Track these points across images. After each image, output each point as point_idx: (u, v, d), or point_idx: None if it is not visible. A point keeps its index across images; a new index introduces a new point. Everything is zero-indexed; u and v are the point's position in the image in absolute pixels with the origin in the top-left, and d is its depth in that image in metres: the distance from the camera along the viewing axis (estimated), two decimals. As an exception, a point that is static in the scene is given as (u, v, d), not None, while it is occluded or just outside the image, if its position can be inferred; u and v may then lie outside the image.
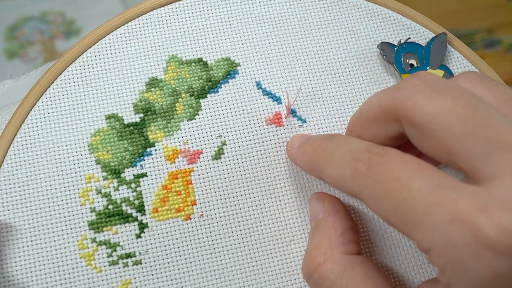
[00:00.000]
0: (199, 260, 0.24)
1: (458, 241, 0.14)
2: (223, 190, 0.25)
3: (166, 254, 0.24)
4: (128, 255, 0.24)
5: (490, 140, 0.15)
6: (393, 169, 0.16)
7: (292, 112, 0.27)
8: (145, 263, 0.24)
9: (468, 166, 0.16)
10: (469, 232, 0.14)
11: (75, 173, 0.25)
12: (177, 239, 0.24)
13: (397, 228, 0.16)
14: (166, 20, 0.27)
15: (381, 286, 0.19)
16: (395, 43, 0.28)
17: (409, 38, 0.28)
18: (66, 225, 0.24)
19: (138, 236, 0.24)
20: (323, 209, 0.22)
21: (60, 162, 0.25)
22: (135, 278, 0.24)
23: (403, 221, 0.16)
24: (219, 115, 0.26)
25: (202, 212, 0.25)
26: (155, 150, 0.25)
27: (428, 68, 0.27)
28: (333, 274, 0.19)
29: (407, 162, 0.16)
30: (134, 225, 0.24)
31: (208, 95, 0.26)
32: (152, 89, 0.26)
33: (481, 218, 0.14)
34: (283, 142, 0.26)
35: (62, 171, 0.25)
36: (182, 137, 0.26)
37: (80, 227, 0.24)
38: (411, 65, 0.27)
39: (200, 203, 0.25)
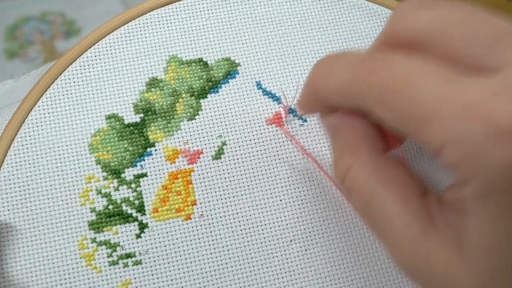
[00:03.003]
0: (199, 260, 0.24)
1: (471, 132, 0.14)
2: (223, 190, 0.25)
3: (166, 254, 0.24)
4: (128, 255, 0.24)
5: (491, 34, 0.15)
6: (397, 68, 0.16)
7: (292, 112, 0.27)
8: (145, 263, 0.24)
9: (474, 62, 0.15)
10: (482, 120, 0.14)
11: (75, 173, 0.25)
12: (177, 239, 0.24)
13: (406, 131, 0.16)
14: (166, 20, 0.27)
15: (411, 187, 0.18)
16: (396, 43, 0.28)
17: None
18: (66, 225, 0.24)
19: (138, 236, 0.24)
20: (337, 116, 0.20)
21: (60, 162, 0.25)
22: (135, 278, 0.24)
23: (412, 121, 0.15)
24: (219, 115, 0.26)
25: (202, 212, 0.25)
26: (155, 150, 0.25)
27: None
28: (361, 177, 0.18)
29: (411, 59, 0.16)
30: (134, 225, 0.24)
31: (208, 95, 0.26)
32: (152, 89, 0.26)
33: (493, 105, 0.13)
34: (283, 142, 0.26)
35: (62, 171, 0.25)
36: (182, 137, 0.26)
37: (80, 227, 0.24)
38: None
39: (200, 203, 0.25)
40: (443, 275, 0.16)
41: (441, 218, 0.17)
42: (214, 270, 0.24)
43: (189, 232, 0.24)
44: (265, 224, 0.25)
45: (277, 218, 0.25)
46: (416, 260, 0.17)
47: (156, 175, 0.25)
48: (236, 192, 0.25)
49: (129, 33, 0.27)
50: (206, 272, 0.24)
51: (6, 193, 0.24)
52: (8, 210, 0.24)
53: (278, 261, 0.24)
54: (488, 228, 0.15)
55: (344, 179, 0.19)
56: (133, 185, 0.25)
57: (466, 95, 0.14)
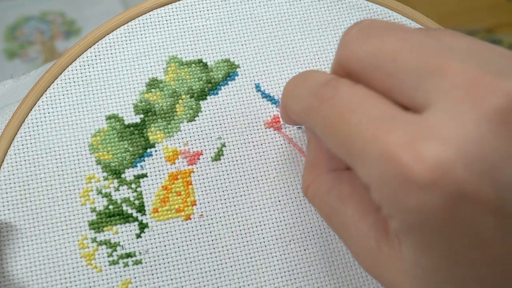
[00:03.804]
0: (199, 260, 0.24)
1: (388, 177, 0.14)
2: (223, 191, 0.25)
3: (166, 254, 0.24)
4: (128, 255, 0.24)
5: (419, 69, 0.15)
6: (339, 104, 0.16)
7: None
8: (145, 263, 0.24)
9: (404, 99, 0.15)
10: (395, 167, 0.14)
11: (76, 173, 0.25)
12: (177, 239, 0.24)
13: (344, 161, 0.16)
14: (166, 20, 0.27)
15: (367, 202, 0.18)
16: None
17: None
18: (66, 225, 0.24)
19: (138, 236, 0.24)
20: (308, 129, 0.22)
21: (61, 162, 0.25)
22: (135, 278, 0.24)
23: (348, 157, 0.16)
24: (218, 117, 0.26)
25: (202, 212, 0.25)
26: (155, 151, 0.25)
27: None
28: (321, 192, 0.20)
29: (354, 95, 0.16)
30: (134, 225, 0.24)
31: (208, 97, 0.26)
32: (153, 90, 0.26)
33: (405, 152, 0.14)
34: (281, 145, 0.26)
35: (62, 171, 0.25)
36: (182, 138, 0.26)
37: (80, 227, 0.24)
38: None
39: (200, 204, 0.25)
40: (393, 285, 0.17)
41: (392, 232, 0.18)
42: (214, 270, 0.24)
43: (189, 232, 0.25)
44: (264, 225, 0.25)
45: (275, 218, 0.25)
46: (372, 268, 0.18)
47: (156, 175, 0.25)
48: (235, 193, 0.25)
49: (129, 33, 0.27)
50: (205, 272, 0.24)
51: (6, 193, 0.24)
52: (8, 209, 0.24)
53: (277, 261, 0.25)
54: (413, 259, 0.16)
55: (306, 194, 0.21)
56: (133, 186, 0.25)
57: (386, 139, 0.14)
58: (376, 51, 0.16)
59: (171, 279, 0.24)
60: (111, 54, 0.27)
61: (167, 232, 0.24)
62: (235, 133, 0.26)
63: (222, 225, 0.25)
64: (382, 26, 0.17)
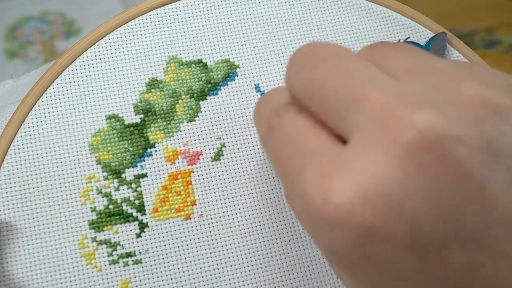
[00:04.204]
0: (199, 260, 0.24)
1: (306, 214, 0.14)
2: (223, 191, 0.25)
3: (166, 254, 0.24)
4: (128, 254, 0.24)
5: (344, 99, 0.14)
6: (279, 136, 0.16)
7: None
8: (145, 262, 0.24)
9: (336, 129, 0.15)
10: (308, 205, 0.14)
11: (76, 173, 0.25)
12: (177, 238, 0.24)
13: None
14: (166, 20, 0.27)
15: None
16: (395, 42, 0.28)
17: (408, 37, 0.28)
18: (66, 225, 0.24)
19: (138, 236, 0.24)
20: None
21: (61, 162, 0.25)
22: (135, 277, 0.24)
23: (288, 187, 0.16)
24: (218, 117, 0.26)
25: (201, 212, 0.25)
26: (155, 151, 0.25)
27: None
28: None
29: (294, 126, 0.16)
30: (135, 225, 0.24)
31: (208, 97, 0.26)
32: (153, 90, 0.26)
33: (316, 190, 0.14)
34: (282, 143, 0.26)
35: (62, 170, 0.25)
36: (182, 138, 0.26)
37: (80, 227, 0.24)
38: (410, 65, 0.27)
39: (200, 203, 0.25)
40: None
41: None
42: (213, 270, 0.24)
43: (188, 231, 0.25)
44: (264, 224, 0.25)
45: (275, 218, 0.25)
46: None
47: (156, 175, 0.25)
48: (235, 192, 0.25)
49: (129, 33, 0.27)
50: (205, 272, 0.24)
51: (6, 192, 0.24)
52: (9, 209, 0.24)
53: (277, 260, 0.25)
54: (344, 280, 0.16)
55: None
56: (133, 185, 0.25)
57: (307, 175, 0.14)
58: (307, 81, 0.16)
59: (171, 279, 0.24)
60: (111, 54, 0.27)
61: (167, 232, 0.24)
62: (234, 133, 0.26)
63: (222, 225, 0.25)
64: (318, 54, 0.16)
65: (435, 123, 0.13)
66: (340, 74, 0.15)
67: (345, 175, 0.14)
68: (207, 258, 0.24)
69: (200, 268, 0.24)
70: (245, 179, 0.25)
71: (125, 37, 0.27)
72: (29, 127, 0.25)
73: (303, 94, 0.16)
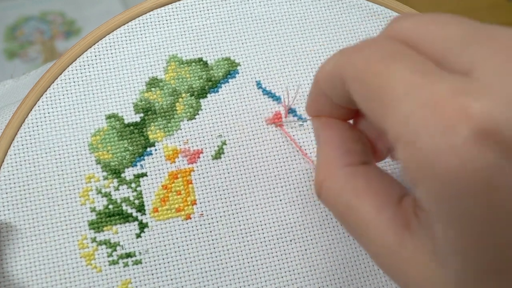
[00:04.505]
0: (199, 260, 0.24)
1: (428, 127, 0.13)
2: (223, 190, 0.25)
3: (166, 254, 0.24)
4: (128, 255, 0.24)
5: (464, 38, 0.15)
6: (380, 49, 0.16)
7: (292, 111, 0.27)
8: (145, 263, 0.24)
9: (448, 65, 0.15)
10: (440, 117, 0.13)
11: (75, 172, 0.25)
12: (177, 238, 0.24)
13: (373, 117, 0.15)
14: (166, 20, 0.27)
15: (385, 195, 0.17)
16: (395, 42, 0.28)
17: (409, 37, 0.28)
18: (66, 225, 0.24)
19: (138, 236, 0.24)
20: (320, 122, 0.21)
21: (61, 162, 0.25)
22: (135, 278, 0.24)
23: (381, 102, 0.15)
24: (219, 115, 0.26)
25: (202, 211, 0.25)
26: (155, 149, 0.25)
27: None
28: (335, 190, 0.19)
29: (397, 45, 0.16)
30: (134, 225, 0.24)
31: (208, 95, 0.26)
32: (152, 88, 0.26)
33: (453, 104, 0.13)
34: (283, 142, 0.26)
35: (62, 170, 0.25)
36: (182, 136, 0.26)
37: (80, 227, 0.24)
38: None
39: (200, 203, 0.25)
40: (418, 282, 0.16)
41: (416, 222, 0.16)
42: (214, 270, 0.24)
43: (189, 231, 0.24)
44: (265, 224, 0.25)
45: (276, 218, 0.25)
46: (393, 267, 0.17)
47: (156, 174, 0.25)
48: (236, 191, 0.25)
49: (129, 33, 0.27)
50: (205, 272, 0.24)
51: (6, 193, 0.24)
52: (8, 209, 0.24)
53: (278, 260, 0.24)
54: (448, 233, 0.14)
55: (320, 194, 0.19)
56: (133, 185, 0.25)
57: (431, 91, 0.13)
58: (426, 22, 0.16)
59: (171, 279, 0.24)
60: (111, 53, 0.27)
61: (167, 232, 0.24)
62: (235, 131, 0.26)
63: (222, 225, 0.25)
64: (428, 14, 0.17)
65: None
66: (461, 20, 0.15)
67: (486, 92, 0.13)
68: (208, 258, 0.24)
69: (201, 269, 0.24)
70: (246, 178, 0.25)
71: (125, 37, 0.27)
72: (29, 128, 0.25)
73: (418, 31, 0.16)
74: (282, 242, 0.25)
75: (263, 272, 0.24)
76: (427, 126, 0.13)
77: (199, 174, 0.25)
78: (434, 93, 0.13)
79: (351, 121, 0.21)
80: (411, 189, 0.16)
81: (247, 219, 0.25)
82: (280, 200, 0.25)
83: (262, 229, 0.25)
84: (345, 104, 0.19)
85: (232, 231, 0.25)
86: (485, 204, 0.13)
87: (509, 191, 0.12)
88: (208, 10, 0.28)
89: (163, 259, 0.24)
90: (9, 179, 0.24)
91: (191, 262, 0.24)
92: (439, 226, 0.14)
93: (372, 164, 0.20)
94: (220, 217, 0.25)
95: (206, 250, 0.24)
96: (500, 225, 0.13)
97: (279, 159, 0.26)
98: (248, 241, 0.25)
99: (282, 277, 0.24)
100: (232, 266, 0.24)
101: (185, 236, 0.24)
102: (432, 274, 0.15)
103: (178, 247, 0.24)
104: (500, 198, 0.13)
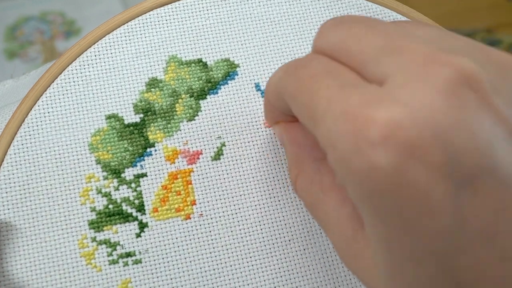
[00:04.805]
0: (199, 259, 0.24)
1: (343, 135, 0.14)
2: (223, 190, 0.25)
3: (166, 253, 0.24)
4: (128, 254, 0.24)
5: (381, 49, 0.16)
6: (311, 68, 0.17)
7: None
8: (145, 262, 0.24)
9: (367, 76, 0.16)
10: (352, 125, 0.14)
11: (75, 172, 0.25)
12: (176, 238, 0.24)
13: (309, 126, 0.17)
14: (166, 20, 0.27)
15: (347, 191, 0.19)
16: (395, 43, 0.28)
17: (408, 38, 0.28)
18: (66, 224, 0.24)
19: (138, 236, 0.24)
20: (281, 127, 0.23)
21: (60, 162, 0.25)
22: (135, 277, 0.24)
23: (311, 117, 0.16)
24: (218, 116, 0.26)
25: (201, 211, 0.25)
26: (155, 150, 0.25)
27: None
28: (306, 184, 0.21)
29: (327, 63, 0.17)
30: (134, 225, 0.24)
31: (208, 96, 0.26)
32: (152, 89, 0.26)
33: (361, 111, 0.14)
34: (281, 144, 0.26)
35: (62, 170, 0.25)
36: (182, 137, 0.26)
37: (80, 226, 0.24)
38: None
39: (200, 203, 0.25)
40: (368, 276, 0.17)
41: None
42: (213, 269, 0.24)
43: (188, 231, 0.25)
44: (264, 224, 0.25)
45: (275, 218, 0.25)
46: (349, 259, 0.18)
47: (156, 175, 0.25)
48: (235, 192, 0.25)
49: (128, 32, 0.27)
50: (205, 271, 0.24)
51: (6, 192, 0.24)
52: (8, 209, 0.24)
53: (277, 260, 0.25)
54: (371, 232, 0.16)
55: (295, 189, 0.21)
56: (133, 185, 0.25)
57: (347, 101, 0.15)
58: (344, 36, 0.17)
59: (171, 279, 0.24)
60: (111, 53, 0.27)
61: (166, 232, 0.24)
62: (235, 132, 0.26)
63: (222, 225, 0.25)
64: (355, 18, 0.18)
65: (473, 67, 0.14)
66: (378, 29, 0.16)
67: (392, 100, 0.14)
68: (207, 258, 0.24)
69: (200, 268, 0.24)
70: (245, 179, 0.25)
71: (125, 37, 0.27)
72: (28, 127, 0.25)
73: (338, 48, 0.17)
74: (281, 242, 0.25)
75: (262, 272, 0.24)
76: (342, 134, 0.14)
77: (198, 175, 0.25)
78: (347, 105, 0.15)
79: None
80: None
81: (246, 219, 0.25)
82: (279, 201, 0.25)
83: (261, 229, 0.25)
84: (290, 113, 0.20)
85: (231, 231, 0.25)
86: (394, 200, 0.14)
87: (413, 187, 0.14)
88: (207, 10, 0.28)
89: (163, 258, 0.24)
90: (9, 179, 0.24)
91: (190, 261, 0.24)
92: (365, 220, 0.16)
93: None
94: (220, 217, 0.25)
95: (205, 249, 0.24)
96: (410, 217, 0.14)
97: (277, 160, 0.26)
98: (247, 240, 0.25)
99: (281, 276, 0.24)
100: (231, 266, 0.24)
101: (185, 236, 0.24)
102: (373, 266, 0.17)
103: (178, 246, 0.24)
104: (406, 193, 0.14)
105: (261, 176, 0.26)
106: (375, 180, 0.14)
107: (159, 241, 0.24)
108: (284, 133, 0.22)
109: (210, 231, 0.25)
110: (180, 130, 0.26)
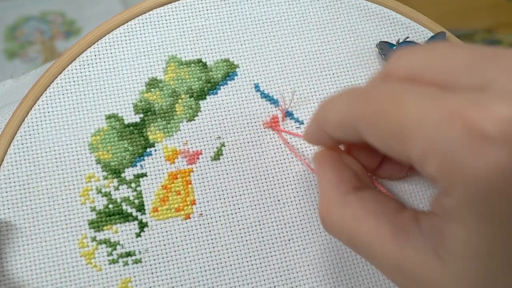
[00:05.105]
0: (198, 259, 0.24)
1: (450, 139, 0.14)
2: (222, 190, 0.25)
3: (166, 253, 0.24)
4: (128, 254, 0.24)
5: (473, 59, 0.15)
6: (388, 90, 0.16)
7: (289, 115, 0.27)
8: (145, 262, 0.24)
9: (459, 87, 0.15)
10: (461, 125, 0.14)
11: (76, 172, 0.25)
12: (176, 238, 0.24)
13: (395, 151, 0.16)
14: (166, 20, 0.27)
15: (380, 213, 0.19)
16: (394, 42, 0.28)
17: (407, 37, 0.28)
18: (66, 224, 0.24)
19: (138, 235, 0.24)
20: (317, 156, 0.22)
21: (61, 161, 0.25)
22: (135, 277, 0.24)
23: (398, 137, 0.16)
24: (218, 116, 0.26)
25: (201, 211, 0.25)
26: (155, 150, 0.25)
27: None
28: (337, 221, 0.20)
29: (403, 84, 0.16)
30: (134, 224, 0.24)
31: (207, 97, 0.26)
32: (152, 89, 0.26)
33: (473, 111, 0.14)
34: (280, 145, 0.26)
35: (62, 170, 0.25)
36: (182, 137, 0.26)
37: (80, 226, 0.24)
38: (410, 64, 0.27)
39: (200, 203, 0.25)
40: (423, 279, 0.17)
41: (416, 231, 0.18)
42: (213, 269, 0.24)
43: (188, 231, 0.25)
44: (263, 224, 0.25)
45: (275, 217, 0.25)
46: (399, 272, 0.18)
47: (156, 175, 0.25)
48: (235, 192, 0.25)
49: (128, 32, 0.27)
50: (205, 271, 0.24)
51: (6, 192, 0.24)
52: (8, 208, 0.24)
53: (276, 260, 0.25)
54: (468, 236, 0.15)
55: (325, 226, 0.21)
56: (133, 185, 0.25)
57: (448, 105, 0.14)
58: (428, 55, 0.17)
59: (171, 278, 0.24)
60: (111, 53, 0.27)
61: (166, 231, 0.25)
62: (234, 132, 0.26)
63: (221, 224, 0.25)
64: (433, 45, 0.17)
65: None
66: (463, 45, 0.16)
67: (505, 98, 0.13)
68: (207, 257, 0.24)
69: (200, 268, 0.24)
70: (244, 179, 0.25)
71: (125, 37, 0.27)
72: (28, 127, 0.25)
73: (421, 65, 0.17)
74: (280, 242, 0.25)
75: (262, 271, 0.24)
76: (450, 138, 0.14)
77: (198, 175, 0.25)
78: (449, 109, 0.14)
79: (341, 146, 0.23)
80: (434, 203, 0.17)
81: (245, 219, 0.25)
82: (278, 200, 0.25)
83: (261, 229, 0.25)
84: (349, 141, 0.20)
85: (231, 231, 0.25)
86: (508, 204, 0.14)
87: None
88: (207, 10, 0.28)
89: (163, 258, 0.24)
90: (9, 178, 0.24)
91: (190, 261, 0.24)
92: (457, 229, 0.15)
93: (366, 186, 0.21)
94: (219, 217, 0.25)
95: (205, 249, 0.24)
96: None
97: (276, 160, 0.26)
98: (246, 240, 0.25)
99: (280, 276, 0.24)
100: (231, 265, 0.24)
101: (185, 236, 0.25)
102: (434, 272, 0.16)
103: (178, 246, 0.24)
104: None
105: (260, 176, 0.26)
106: (494, 179, 0.13)
107: (159, 241, 0.24)
108: (316, 166, 0.22)
109: (210, 231, 0.25)
110: (180, 130, 0.26)
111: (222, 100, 0.26)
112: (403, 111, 0.15)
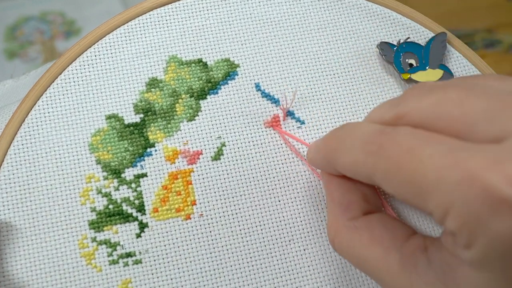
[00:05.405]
0: (199, 260, 0.24)
1: (471, 200, 0.14)
2: (223, 190, 0.25)
3: (166, 254, 0.24)
4: (128, 255, 0.24)
5: (489, 108, 0.15)
6: (403, 142, 0.16)
7: (290, 114, 0.27)
8: (145, 262, 0.24)
9: (476, 136, 0.15)
10: (481, 188, 0.14)
11: (76, 172, 0.25)
12: (177, 238, 0.24)
13: (413, 203, 0.16)
14: (166, 20, 0.27)
15: (388, 239, 0.19)
16: (395, 43, 0.28)
17: (408, 37, 0.28)
18: (66, 225, 0.24)
19: (138, 236, 0.24)
20: (327, 178, 0.22)
21: (61, 162, 0.25)
22: (135, 277, 0.24)
23: (417, 192, 0.16)
24: (218, 116, 0.26)
25: (201, 212, 0.25)
26: (155, 150, 0.25)
27: (427, 67, 0.27)
28: (345, 244, 0.21)
29: (417, 133, 0.16)
30: (134, 225, 0.24)
31: (208, 97, 0.26)
32: (152, 89, 0.26)
33: (492, 173, 0.14)
34: (281, 144, 0.26)
35: (62, 170, 0.25)
36: (182, 137, 0.26)
37: (80, 227, 0.24)
38: (411, 64, 0.27)
39: (200, 203, 0.25)
40: None
41: (424, 261, 0.18)
42: (214, 270, 0.24)
43: (188, 231, 0.25)
44: (264, 224, 0.25)
45: (275, 218, 0.25)
46: None
47: (156, 175, 0.25)
48: (235, 192, 0.25)
49: (128, 32, 0.27)
50: (205, 271, 0.24)
51: (6, 192, 0.24)
52: (8, 209, 0.24)
53: (277, 260, 0.25)
54: (481, 283, 0.16)
55: (334, 248, 0.22)
56: (133, 185, 0.25)
57: (468, 163, 0.14)
58: (440, 100, 0.17)
59: (171, 279, 0.24)
60: (111, 53, 0.27)
61: (167, 232, 0.24)
62: (235, 132, 0.26)
63: (222, 225, 0.25)
64: (446, 83, 0.17)
65: None
66: (479, 90, 0.16)
67: None
68: (207, 258, 0.24)
69: (200, 268, 0.24)
70: (245, 179, 0.25)
71: (125, 37, 0.27)
72: (29, 127, 0.25)
73: (433, 114, 0.17)
74: (281, 242, 0.25)
75: (262, 272, 0.24)
76: (471, 199, 0.14)
77: (198, 175, 0.25)
78: (468, 169, 0.14)
79: None
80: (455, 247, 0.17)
81: (246, 220, 0.25)
82: (279, 201, 0.25)
83: (261, 229, 0.25)
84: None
85: (231, 231, 0.25)
86: None
87: None
88: (208, 10, 0.28)
89: (163, 258, 0.24)
90: (9, 179, 0.24)
91: (190, 261, 0.24)
92: (471, 281, 0.16)
93: (374, 208, 0.21)
94: (220, 217, 0.25)
95: (205, 250, 0.24)
96: None
97: (277, 160, 0.26)
98: (247, 241, 0.25)
99: (281, 276, 0.24)
100: (231, 266, 0.24)
101: (185, 236, 0.24)
102: None
103: (178, 247, 0.24)
104: None
105: (261, 176, 0.26)
106: None
107: (159, 241, 0.24)
108: (325, 188, 0.22)
109: (210, 231, 0.25)
110: (180, 130, 0.26)
111: (223, 100, 0.26)
112: (420, 168, 0.15)
